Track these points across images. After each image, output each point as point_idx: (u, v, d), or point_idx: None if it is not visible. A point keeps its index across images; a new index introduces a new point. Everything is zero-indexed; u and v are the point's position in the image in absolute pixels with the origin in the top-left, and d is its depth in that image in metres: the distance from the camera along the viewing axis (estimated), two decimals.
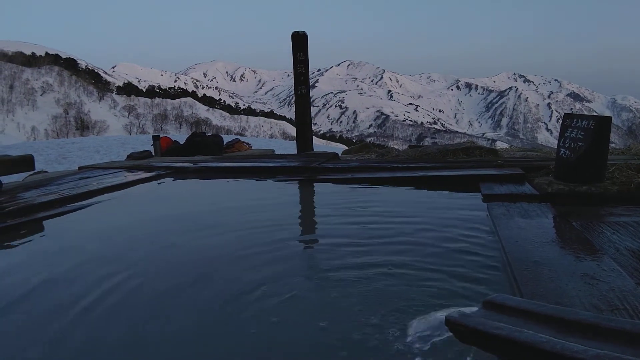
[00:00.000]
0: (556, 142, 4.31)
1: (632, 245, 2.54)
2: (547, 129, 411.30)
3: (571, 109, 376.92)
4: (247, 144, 13.04)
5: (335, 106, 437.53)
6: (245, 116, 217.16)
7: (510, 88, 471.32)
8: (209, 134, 13.12)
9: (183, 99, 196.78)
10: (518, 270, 2.21)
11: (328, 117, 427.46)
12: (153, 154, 11.22)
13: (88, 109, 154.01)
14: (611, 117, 4.08)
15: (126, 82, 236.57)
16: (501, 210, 3.42)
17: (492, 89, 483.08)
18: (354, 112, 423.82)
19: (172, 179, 5.90)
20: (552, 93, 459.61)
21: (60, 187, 5.18)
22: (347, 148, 13.33)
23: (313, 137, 10.01)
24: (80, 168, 7.04)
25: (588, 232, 2.80)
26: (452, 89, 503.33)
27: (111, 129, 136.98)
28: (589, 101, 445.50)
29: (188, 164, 6.59)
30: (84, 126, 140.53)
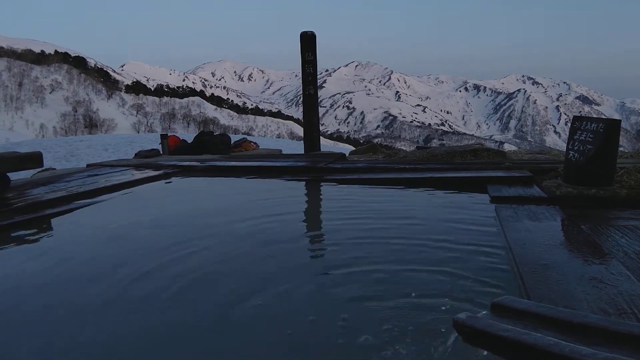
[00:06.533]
0: (564, 144, 4.29)
1: None
2: (556, 132, 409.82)
3: (580, 111, 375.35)
4: (255, 143, 13.07)
5: (343, 107, 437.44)
6: (253, 116, 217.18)
7: (519, 90, 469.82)
8: (217, 133, 13.17)
9: (191, 98, 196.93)
10: (526, 272, 2.20)
11: (335, 117, 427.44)
12: (161, 152, 11.27)
13: (96, 107, 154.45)
14: (620, 120, 4.05)
15: (135, 80, 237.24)
16: (509, 213, 3.40)
17: (501, 90, 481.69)
18: (362, 112, 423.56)
19: (180, 177, 5.91)
20: (561, 96, 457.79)
21: (69, 184, 5.21)
22: (354, 149, 13.33)
23: (320, 137, 10.00)
24: (88, 166, 7.06)
25: (596, 236, 2.78)
26: (460, 91, 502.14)
27: (119, 127, 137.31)
28: (597, 104, 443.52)
29: (195, 163, 6.59)
30: (92, 124, 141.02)
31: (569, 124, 4.30)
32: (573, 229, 2.99)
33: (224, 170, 6.26)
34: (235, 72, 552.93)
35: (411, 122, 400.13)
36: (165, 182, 5.62)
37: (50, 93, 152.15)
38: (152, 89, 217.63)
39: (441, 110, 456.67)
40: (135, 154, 10.79)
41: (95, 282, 2.53)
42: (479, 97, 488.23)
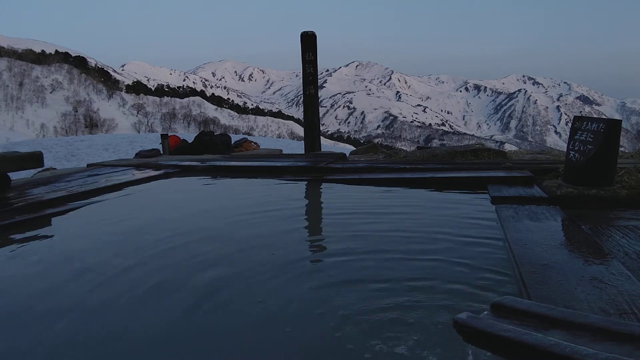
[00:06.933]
0: (565, 145, 4.29)
1: None
2: (556, 132, 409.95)
3: (580, 112, 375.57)
4: (255, 143, 13.08)
5: (344, 107, 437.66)
6: (254, 116, 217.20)
7: (519, 90, 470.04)
8: (217, 133, 13.16)
9: (192, 98, 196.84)
10: (526, 273, 2.20)
11: (336, 117, 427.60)
12: (161, 152, 11.28)
13: (97, 107, 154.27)
14: (621, 121, 4.05)
15: (135, 80, 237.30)
16: (510, 213, 3.40)
17: (501, 90, 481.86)
18: (362, 112, 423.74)
19: (180, 177, 5.91)
20: (562, 96, 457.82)
21: (69, 184, 5.21)
22: (354, 149, 13.32)
23: (321, 137, 10.01)
24: (88, 165, 7.07)
25: (597, 236, 2.78)
26: (460, 91, 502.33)
27: (120, 127, 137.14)
28: (598, 104, 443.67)
29: (196, 163, 6.60)
30: (92, 124, 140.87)
31: (570, 124, 4.29)
32: (573, 229, 2.99)
33: (225, 170, 6.26)
34: (235, 72, 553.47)
35: (412, 122, 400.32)
36: (166, 182, 5.62)
37: (50, 93, 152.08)
38: (153, 88, 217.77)
39: (442, 110, 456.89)
40: (136, 154, 10.80)
41: (95, 282, 2.53)
42: (479, 97, 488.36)
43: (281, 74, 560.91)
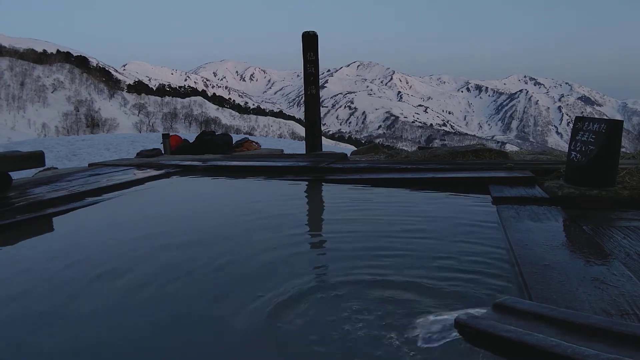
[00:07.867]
0: (566, 145, 4.28)
1: None
2: (558, 133, 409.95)
3: (582, 112, 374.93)
4: (256, 143, 13.07)
5: (345, 107, 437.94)
6: (255, 116, 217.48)
7: (521, 90, 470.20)
8: (219, 133, 13.16)
9: (193, 98, 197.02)
10: (527, 273, 2.20)
11: (337, 117, 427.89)
12: (162, 152, 11.28)
13: (98, 107, 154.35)
14: (622, 121, 4.04)
15: (137, 80, 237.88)
16: (511, 213, 3.40)
17: (503, 91, 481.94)
18: (363, 112, 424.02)
19: (181, 177, 5.91)
20: (563, 96, 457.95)
21: (70, 183, 5.21)
22: (355, 149, 13.32)
23: (322, 137, 10.01)
24: (90, 165, 7.07)
25: (598, 236, 2.78)
26: (462, 91, 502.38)
27: (121, 127, 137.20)
28: (599, 105, 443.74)
29: (197, 163, 6.59)
30: (94, 124, 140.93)
31: (571, 125, 4.29)
32: (575, 230, 2.98)
33: (226, 170, 6.26)
34: (237, 72, 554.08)
35: (413, 122, 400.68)
36: (167, 182, 5.61)
37: (52, 92, 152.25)
38: (154, 88, 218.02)
39: (443, 111, 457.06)
40: (137, 154, 10.81)
41: (95, 281, 2.53)
42: (480, 97, 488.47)
43: (282, 74, 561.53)
